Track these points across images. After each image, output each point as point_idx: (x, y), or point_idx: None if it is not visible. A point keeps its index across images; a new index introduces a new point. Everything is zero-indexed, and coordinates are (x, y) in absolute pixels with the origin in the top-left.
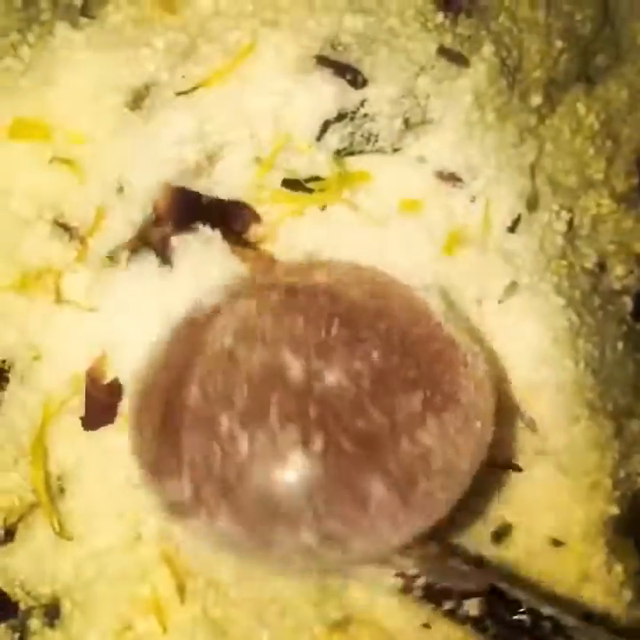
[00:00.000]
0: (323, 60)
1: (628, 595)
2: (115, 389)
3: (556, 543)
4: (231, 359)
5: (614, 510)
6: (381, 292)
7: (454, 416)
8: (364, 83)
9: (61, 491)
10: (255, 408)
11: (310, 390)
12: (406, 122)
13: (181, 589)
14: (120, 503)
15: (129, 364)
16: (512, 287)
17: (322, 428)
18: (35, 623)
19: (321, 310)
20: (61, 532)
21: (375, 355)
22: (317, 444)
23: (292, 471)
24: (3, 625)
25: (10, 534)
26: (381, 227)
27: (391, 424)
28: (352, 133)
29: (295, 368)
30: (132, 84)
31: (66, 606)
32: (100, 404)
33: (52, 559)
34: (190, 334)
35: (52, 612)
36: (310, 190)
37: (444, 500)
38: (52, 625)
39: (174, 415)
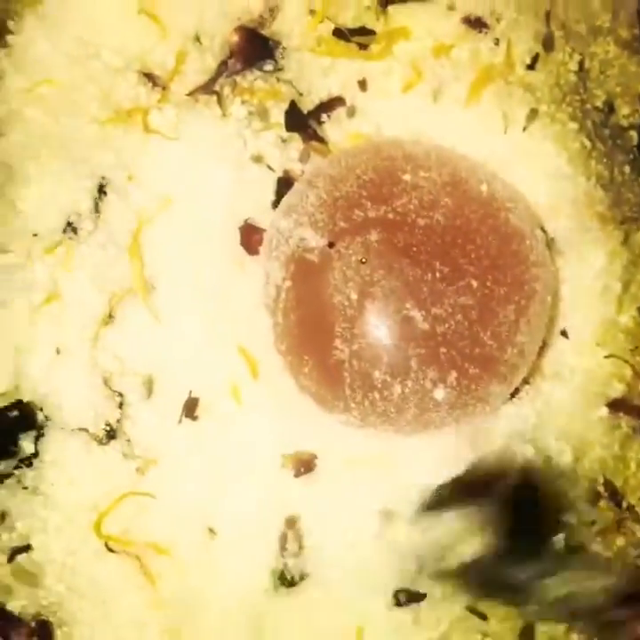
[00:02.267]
0: None
1: None
2: None
3: None
4: (362, 314)
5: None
6: (460, 199)
7: (535, 307)
8: None
9: (153, 287)
10: (399, 360)
11: (435, 334)
12: None
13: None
14: (205, 306)
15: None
16: (533, 114)
17: (452, 365)
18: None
19: (421, 246)
20: (154, 318)
21: (475, 284)
22: (452, 375)
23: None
24: None
25: (111, 316)
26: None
27: (498, 341)
28: None
29: (419, 318)
30: None
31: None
32: None
33: (146, 339)
34: (313, 280)
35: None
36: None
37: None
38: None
39: (329, 366)
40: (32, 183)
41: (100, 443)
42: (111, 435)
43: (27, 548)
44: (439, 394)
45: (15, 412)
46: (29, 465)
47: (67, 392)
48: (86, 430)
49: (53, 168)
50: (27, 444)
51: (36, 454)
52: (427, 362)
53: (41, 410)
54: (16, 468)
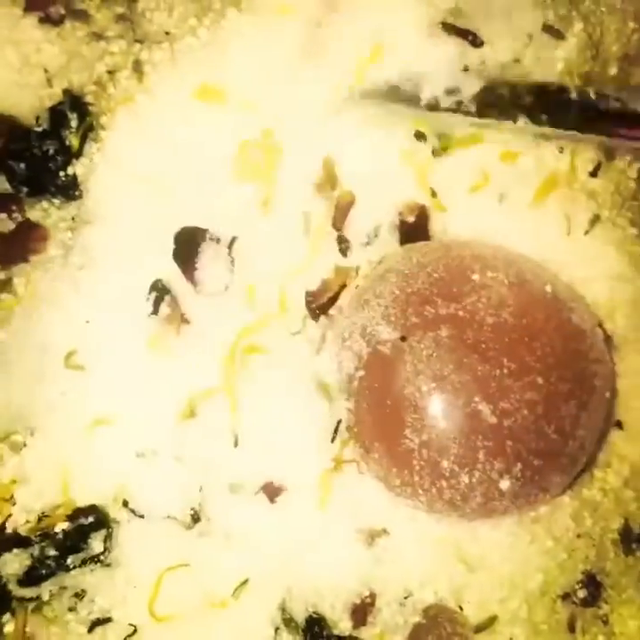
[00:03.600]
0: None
1: None
2: None
3: None
4: (432, 406)
5: None
6: (526, 298)
7: (595, 402)
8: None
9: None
10: (467, 451)
11: (502, 428)
12: None
13: None
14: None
15: None
16: (595, 219)
17: (518, 457)
18: None
19: (489, 343)
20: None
21: (540, 380)
22: (517, 467)
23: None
24: None
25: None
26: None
27: (561, 434)
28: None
29: (487, 412)
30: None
31: None
32: None
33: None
34: (385, 371)
35: None
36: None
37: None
38: None
39: (398, 454)
40: None
41: (188, 528)
42: (196, 518)
43: (107, 620)
44: (504, 484)
45: (91, 519)
46: (97, 562)
47: (152, 487)
48: (175, 518)
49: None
50: (96, 543)
51: (104, 552)
52: (494, 454)
53: (125, 504)
54: (82, 563)
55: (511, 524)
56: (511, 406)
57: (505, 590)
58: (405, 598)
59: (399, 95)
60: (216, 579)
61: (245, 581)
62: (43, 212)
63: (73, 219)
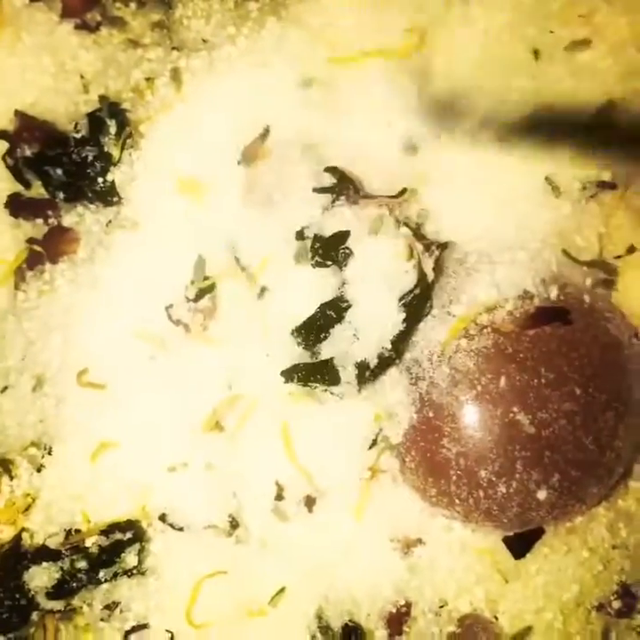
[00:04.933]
0: None
1: None
2: None
3: None
4: (470, 416)
5: None
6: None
7: (633, 413)
8: None
9: None
10: (505, 461)
11: (540, 438)
12: None
13: None
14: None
15: None
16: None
17: (555, 468)
18: None
19: (528, 353)
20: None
21: (578, 391)
22: (555, 477)
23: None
24: None
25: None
26: None
27: (598, 445)
28: None
29: (525, 422)
30: None
31: None
32: None
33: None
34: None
35: None
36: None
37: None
38: None
39: (435, 463)
40: None
41: (228, 535)
42: (234, 525)
43: (143, 627)
44: (542, 494)
45: (129, 535)
46: (130, 576)
47: (187, 498)
48: (215, 526)
49: None
50: (130, 557)
51: (138, 565)
52: (532, 464)
53: (163, 519)
54: (114, 577)
55: (547, 534)
56: (549, 416)
57: (540, 601)
58: (441, 608)
59: None
60: (253, 587)
61: (282, 589)
62: (78, 217)
63: (107, 224)
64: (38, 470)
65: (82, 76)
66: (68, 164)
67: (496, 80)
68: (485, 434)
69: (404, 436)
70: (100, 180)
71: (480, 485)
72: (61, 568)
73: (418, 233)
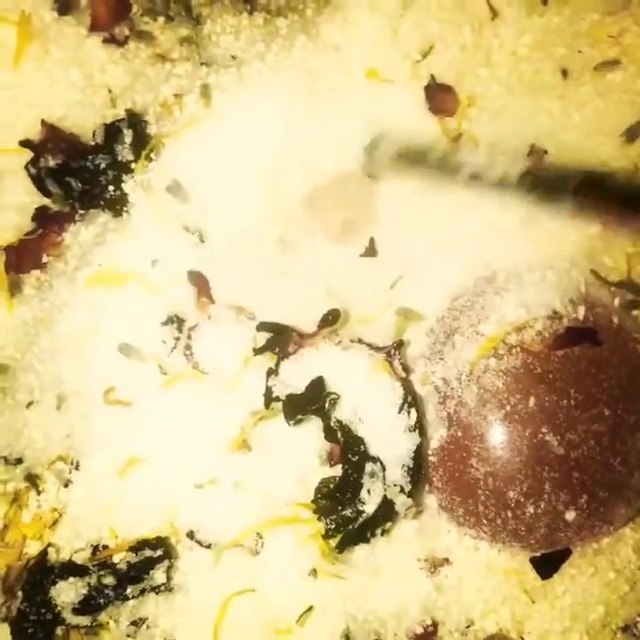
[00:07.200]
0: None
1: None
2: None
3: None
4: (499, 436)
5: None
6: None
7: None
8: None
9: None
10: (533, 482)
11: (569, 459)
12: None
13: None
14: None
15: None
16: None
17: (584, 489)
18: None
19: (557, 374)
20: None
21: (607, 412)
22: (583, 498)
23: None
24: None
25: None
26: None
27: (627, 467)
28: None
29: (554, 443)
30: None
31: None
32: None
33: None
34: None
35: None
36: None
37: None
38: None
39: (463, 483)
40: None
41: (254, 555)
42: (262, 544)
43: None
44: (570, 515)
45: (159, 552)
46: (158, 593)
47: (215, 516)
48: (242, 545)
49: None
50: (159, 574)
51: (166, 582)
52: (560, 485)
53: (191, 536)
54: (141, 593)
55: (574, 555)
56: (578, 437)
57: (566, 621)
58: (467, 627)
59: None
60: (281, 605)
61: (310, 608)
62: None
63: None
64: (65, 485)
65: (109, 91)
66: (83, 172)
67: (524, 100)
68: (514, 454)
69: (432, 455)
70: (111, 188)
71: (508, 506)
72: (88, 583)
73: (370, 345)
